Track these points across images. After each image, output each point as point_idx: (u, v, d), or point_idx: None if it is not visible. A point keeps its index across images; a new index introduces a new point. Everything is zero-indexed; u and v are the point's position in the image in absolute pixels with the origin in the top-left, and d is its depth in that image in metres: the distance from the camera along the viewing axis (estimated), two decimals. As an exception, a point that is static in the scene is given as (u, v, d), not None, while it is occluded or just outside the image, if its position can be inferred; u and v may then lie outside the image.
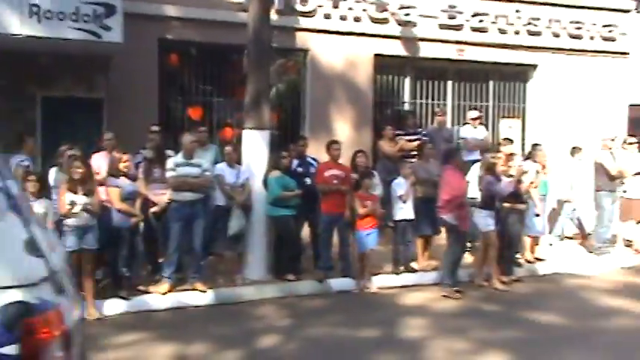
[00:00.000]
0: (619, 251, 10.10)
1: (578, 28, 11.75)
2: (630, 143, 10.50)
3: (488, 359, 5.52)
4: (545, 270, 9.07)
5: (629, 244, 10.36)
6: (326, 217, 8.32)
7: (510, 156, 9.02)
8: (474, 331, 6.26)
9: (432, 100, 11.35)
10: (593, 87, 11.89)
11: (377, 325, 6.55)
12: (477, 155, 10.40)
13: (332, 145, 8.54)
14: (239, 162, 8.29)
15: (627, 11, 12.13)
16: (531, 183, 8.45)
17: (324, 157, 8.61)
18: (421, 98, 11.31)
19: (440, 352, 5.65)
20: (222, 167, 8.19)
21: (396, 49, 10.75)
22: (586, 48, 11.88)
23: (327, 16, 10.26)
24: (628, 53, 12.25)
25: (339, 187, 8.26)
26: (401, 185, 8.52)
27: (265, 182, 8.35)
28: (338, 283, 8.22)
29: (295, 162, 8.87)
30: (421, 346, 5.85)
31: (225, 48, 9.55)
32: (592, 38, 11.92)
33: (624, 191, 10.13)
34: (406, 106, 11.21)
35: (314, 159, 9.29)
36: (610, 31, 11.96)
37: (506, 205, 8.28)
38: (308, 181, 8.72)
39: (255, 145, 8.35)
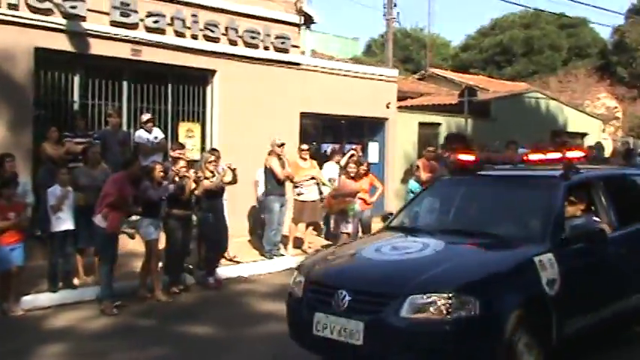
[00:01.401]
0: (289, 253, 10.60)
1: (254, 38, 12.12)
2: (303, 150, 11.13)
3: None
4: (217, 275, 9.03)
5: (298, 245, 10.97)
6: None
7: (177, 160, 8.87)
8: (118, 354, 5.87)
9: (106, 100, 10.66)
10: (269, 94, 12.40)
11: (4, 357, 5.74)
12: (156, 159, 10.09)
13: (-31, 148, 7.42)
14: None
15: (297, 25, 12.90)
16: (193, 190, 8.36)
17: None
18: (93, 99, 10.53)
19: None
20: None
21: (62, 43, 9.83)
22: (261, 57, 12.31)
23: (-25, 0, 8.95)
24: (299, 64, 13.04)
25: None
26: (55, 193, 7.75)
27: None
28: (-22, 308, 7.19)
29: None
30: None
31: None
32: (267, 48, 12.40)
33: (298, 194, 10.67)
34: (76, 106, 10.34)
35: (-50, 164, 8.02)
36: (282, 43, 12.58)
37: (167, 211, 8.08)
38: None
39: None
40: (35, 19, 9.48)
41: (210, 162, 9.00)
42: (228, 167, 8.93)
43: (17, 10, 9.32)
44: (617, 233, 5.74)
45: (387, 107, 14.82)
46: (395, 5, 18.20)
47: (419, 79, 27.69)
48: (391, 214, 6.64)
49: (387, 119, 14.97)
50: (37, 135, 9.60)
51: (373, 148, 14.89)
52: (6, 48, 9.30)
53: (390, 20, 18.12)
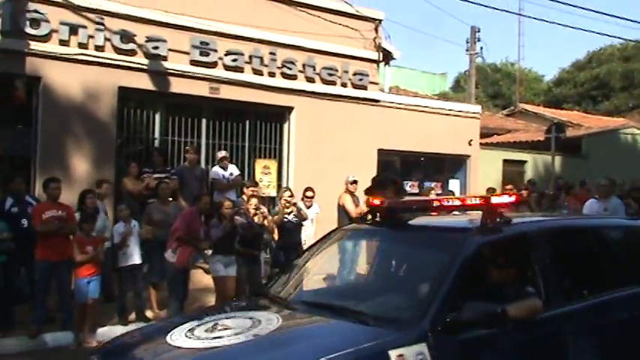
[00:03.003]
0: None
1: (331, 75, 12.14)
2: (377, 186, 10.95)
3: None
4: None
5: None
6: (43, 263, 7.47)
7: (251, 198, 8.88)
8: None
9: (186, 137, 10.91)
10: (346, 131, 12.33)
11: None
12: (231, 195, 10.20)
13: (49, 184, 7.77)
14: None
15: (375, 61, 12.82)
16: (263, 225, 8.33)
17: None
18: (173, 135, 10.81)
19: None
20: None
21: (144, 82, 10.19)
22: (339, 94, 12.29)
23: (64, 43, 9.42)
24: (378, 100, 12.92)
25: (58, 230, 7.50)
26: (118, 230, 7.95)
27: (-33, 224, 7.31)
28: (55, 338, 7.40)
29: (10, 201, 7.94)
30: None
31: None
32: (344, 85, 12.38)
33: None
34: (156, 143, 10.64)
35: (35, 198, 8.42)
36: (360, 80, 12.53)
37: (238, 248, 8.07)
38: (25, 223, 7.83)
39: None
40: (119, 60, 9.89)
41: (282, 198, 8.99)
42: (286, 201, 8.88)
43: (103, 51, 9.75)
44: (558, 312, 4.06)
45: (470, 144, 14.40)
46: (478, 40, 17.85)
47: (508, 115, 26.96)
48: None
49: (469, 156, 14.53)
50: (119, 171, 9.93)
51: (454, 185, 14.47)
52: (92, 87, 9.72)
53: (472, 55, 17.76)
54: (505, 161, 15.67)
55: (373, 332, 3.52)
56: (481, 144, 15.19)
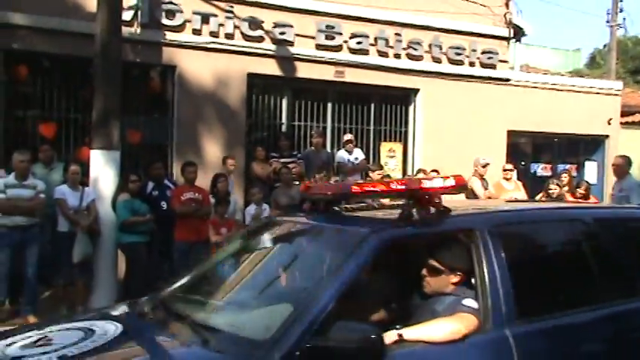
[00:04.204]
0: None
1: (458, 54, 11.74)
2: (507, 170, 10.53)
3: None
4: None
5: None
6: (181, 244, 7.85)
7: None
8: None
9: (312, 121, 11.01)
10: (474, 112, 11.90)
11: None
12: (355, 178, 10.21)
13: (186, 168, 8.15)
14: (83, 183, 7.70)
15: (505, 38, 12.25)
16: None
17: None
18: (300, 120, 10.95)
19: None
20: (63, 189, 7.56)
21: (272, 68, 10.37)
22: (466, 74, 11.88)
23: (197, 32, 9.78)
24: (508, 80, 12.36)
25: (196, 211, 7.86)
26: (250, 212, 8.16)
27: (114, 206, 7.82)
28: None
29: (150, 185, 8.40)
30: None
31: (83, 61, 8.82)
32: (472, 64, 11.95)
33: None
34: (284, 128, 10.82)
35: (173, 182, 8.85)
36: (489, 58, 12.02)
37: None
38: (164, 205, 8.26)
39: (104, 166, 7.77)
40: (248, 47, 10.12)
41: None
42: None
43: (232, 38, 10.02)
44: (504, 332, 3.09)
45: (609, 123, 13.44)
46: (621, 11, 16.54)
47: (651, 92, 24.91)
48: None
49: (607, 136, 13.58)
50: (247, 155, 10.22)
51: (591, 167, 13.59)
52: (222, 74, 10.03)
53: (614, 27, 16.49)
54: (649, 141, 14.50)
55: (208, 358, 2.87)
56: (621, 123, 14.14)
